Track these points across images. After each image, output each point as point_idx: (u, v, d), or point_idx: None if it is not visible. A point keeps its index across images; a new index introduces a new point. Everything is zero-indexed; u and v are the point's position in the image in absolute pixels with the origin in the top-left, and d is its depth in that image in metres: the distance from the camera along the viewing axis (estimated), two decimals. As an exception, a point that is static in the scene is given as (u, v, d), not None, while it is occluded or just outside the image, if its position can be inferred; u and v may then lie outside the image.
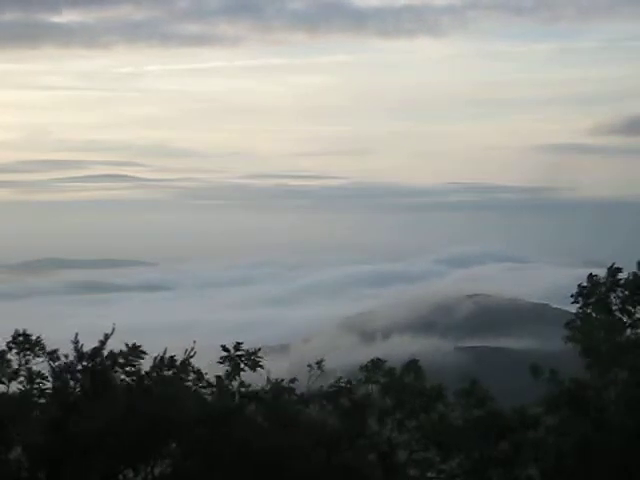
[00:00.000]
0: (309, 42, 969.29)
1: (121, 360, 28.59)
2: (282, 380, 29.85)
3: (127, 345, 28.88)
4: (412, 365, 32.38)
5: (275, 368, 30.97)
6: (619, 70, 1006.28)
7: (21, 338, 29.42)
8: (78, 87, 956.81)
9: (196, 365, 29.41)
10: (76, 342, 28.62)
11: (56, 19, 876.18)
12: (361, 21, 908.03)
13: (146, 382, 28.77)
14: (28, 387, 29.02)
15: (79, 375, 28.53)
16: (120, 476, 28.43)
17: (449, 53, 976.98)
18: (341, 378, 31.21)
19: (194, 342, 29.53)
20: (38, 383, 29.06)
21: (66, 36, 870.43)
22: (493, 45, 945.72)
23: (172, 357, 29.04)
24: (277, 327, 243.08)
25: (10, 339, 29.52)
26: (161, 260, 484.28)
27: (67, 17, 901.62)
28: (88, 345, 28.74)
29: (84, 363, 28.53)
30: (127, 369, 28.69)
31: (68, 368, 28.61)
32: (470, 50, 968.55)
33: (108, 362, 28.55)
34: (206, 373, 29.71)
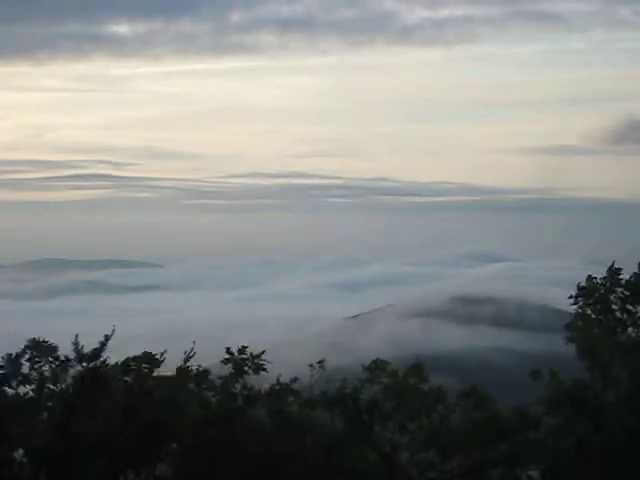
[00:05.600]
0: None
1: (133, 367, 28.63)
2: (280, 382, 29.80)
3: (145, 352, 28.89)
4: (416, 367, 32.31)
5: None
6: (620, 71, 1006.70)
7: (35, 345, 29.39)
8: (77, 89, 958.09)
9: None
10: (76, 343, 28.59)
11: (112, 30, 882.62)
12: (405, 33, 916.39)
13: (147, 383, 28.76)
14: (38, 391, 28.94)
15: (80, 377, 28.51)
16: (121, 477, 28.39)
17: (454, 58, 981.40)
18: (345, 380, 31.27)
19: (193, 343, 29.46)
20: (47, 387, 28.98)
21: (118, 46, 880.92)
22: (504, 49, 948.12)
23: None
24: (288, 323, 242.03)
25: (23, 347, 29.47)
26: (162, 260, 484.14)
27: (121, 28, 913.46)
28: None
29: (84, 364, 28.50)
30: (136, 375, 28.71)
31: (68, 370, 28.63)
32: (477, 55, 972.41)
33: (117, 368, 28.57)
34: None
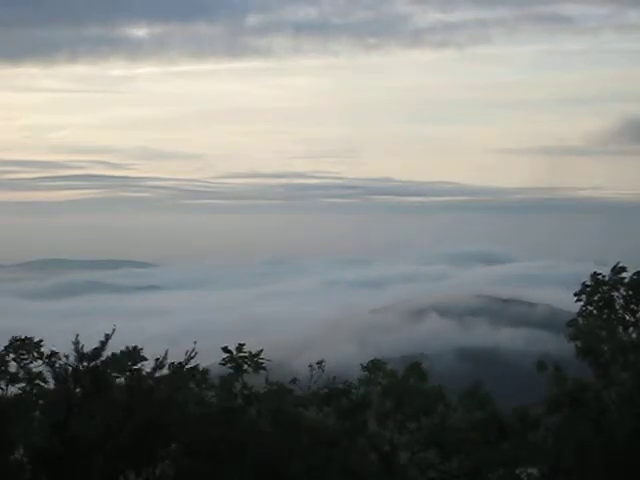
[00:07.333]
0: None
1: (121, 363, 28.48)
2: (280, 383, 29.69)
3: (127, 347, 28.76)
4: (415, 367, 32.15)
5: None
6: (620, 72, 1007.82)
7: (18, 342, 29.27)
8: (78, 90, 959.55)
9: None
10: (76, 343, 28.47)
11: (127, 33, 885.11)
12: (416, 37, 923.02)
13: (147, 383, 28.65)
14: (28, 389, 28.86)
15: (79, 376, 28.39)
16: (121, 477, 28.31)
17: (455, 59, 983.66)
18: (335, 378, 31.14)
19: (194, 343, 29.35)
20: (37, 384, 28.89)
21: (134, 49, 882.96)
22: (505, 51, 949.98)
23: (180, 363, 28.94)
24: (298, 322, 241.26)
25: (8, 343, 29.38)
26: (161, 260, 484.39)
27: (138, 31, 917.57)
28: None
29: (84, 364, 28.39)
30: (127, 372, 28.58)
31: (68, 370, 28.50)
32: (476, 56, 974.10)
33: (108, 364, 28.43)
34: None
